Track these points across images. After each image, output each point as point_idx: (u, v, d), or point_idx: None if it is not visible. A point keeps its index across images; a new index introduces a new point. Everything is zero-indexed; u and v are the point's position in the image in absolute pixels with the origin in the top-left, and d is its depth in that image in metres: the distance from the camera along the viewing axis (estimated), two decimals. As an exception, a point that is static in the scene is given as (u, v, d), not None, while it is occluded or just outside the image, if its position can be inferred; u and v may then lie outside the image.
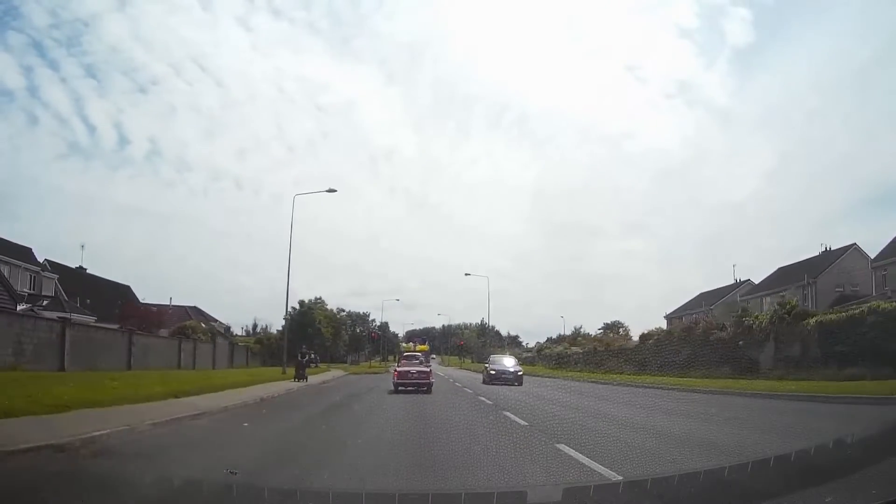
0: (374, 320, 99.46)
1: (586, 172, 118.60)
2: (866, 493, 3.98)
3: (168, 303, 54.82)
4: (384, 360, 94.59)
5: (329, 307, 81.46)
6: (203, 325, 39.71)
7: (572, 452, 7.05)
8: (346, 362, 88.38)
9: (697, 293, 67.69)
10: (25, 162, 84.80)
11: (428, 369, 21.07)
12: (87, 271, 51.51)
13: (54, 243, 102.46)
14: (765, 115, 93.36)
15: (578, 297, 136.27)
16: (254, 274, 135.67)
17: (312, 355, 77.65)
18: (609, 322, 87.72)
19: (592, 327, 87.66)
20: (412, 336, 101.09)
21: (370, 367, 58.41)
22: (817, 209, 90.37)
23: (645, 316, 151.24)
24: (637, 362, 39.32)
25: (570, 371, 46.67)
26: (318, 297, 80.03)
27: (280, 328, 61.16)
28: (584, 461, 6.51)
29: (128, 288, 56.34)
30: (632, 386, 25.93)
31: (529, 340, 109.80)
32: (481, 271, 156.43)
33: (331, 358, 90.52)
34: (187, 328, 37.25)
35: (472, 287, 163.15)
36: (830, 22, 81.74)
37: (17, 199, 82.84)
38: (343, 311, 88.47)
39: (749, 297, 52.72)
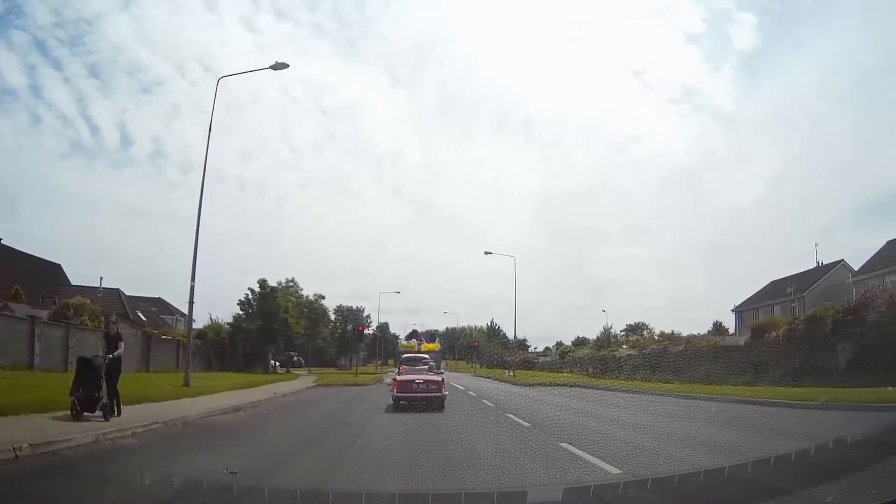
0: (368, 316, 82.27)
1: (591, 176, 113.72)
2: (866, 493, 4.10)
3: (98, 284, 42.17)
4: (383, 363, 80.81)
5: (304, 293, 59.04)
6: (93, 305, 26.35)
7: None
8: (336, 366, 75.32)
9: (768, 281, 55.89)
10: (28, 161, 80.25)
11: (439, 378, 17.42)
12: (3, 242, 43.44)
13: (56, 242, 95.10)
14: (770, 121, 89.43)
15: (582, 301, 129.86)
16: (253, 274, 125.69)
17: (295, 357, 64.89)
18: (632, 323, 77.66)
19: (593, 333, 79.30)
20: (416, 334, 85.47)
21: (356, 374, 44.35)
22: (824, 214, 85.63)
23: (657, 318, 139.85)
24: (751, 367, 26.52)
25: (636, 381, 33.32)
26: (289, 278, 56.52)
27: (234, 316, 45.72)
28: None
29: (57, 266, 49.67)
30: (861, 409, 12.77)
31: (536, 345, 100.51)
32: (484, 275, 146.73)
33: (321, 360, 76.89)
34: (69, 307, 24.14)
35: (478, 290, 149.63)
36: (836, 28, 77.77)
37: (19, 198, 79.85)
38: (322, 297, 65.60)
39: (860, 277, 40.10)
